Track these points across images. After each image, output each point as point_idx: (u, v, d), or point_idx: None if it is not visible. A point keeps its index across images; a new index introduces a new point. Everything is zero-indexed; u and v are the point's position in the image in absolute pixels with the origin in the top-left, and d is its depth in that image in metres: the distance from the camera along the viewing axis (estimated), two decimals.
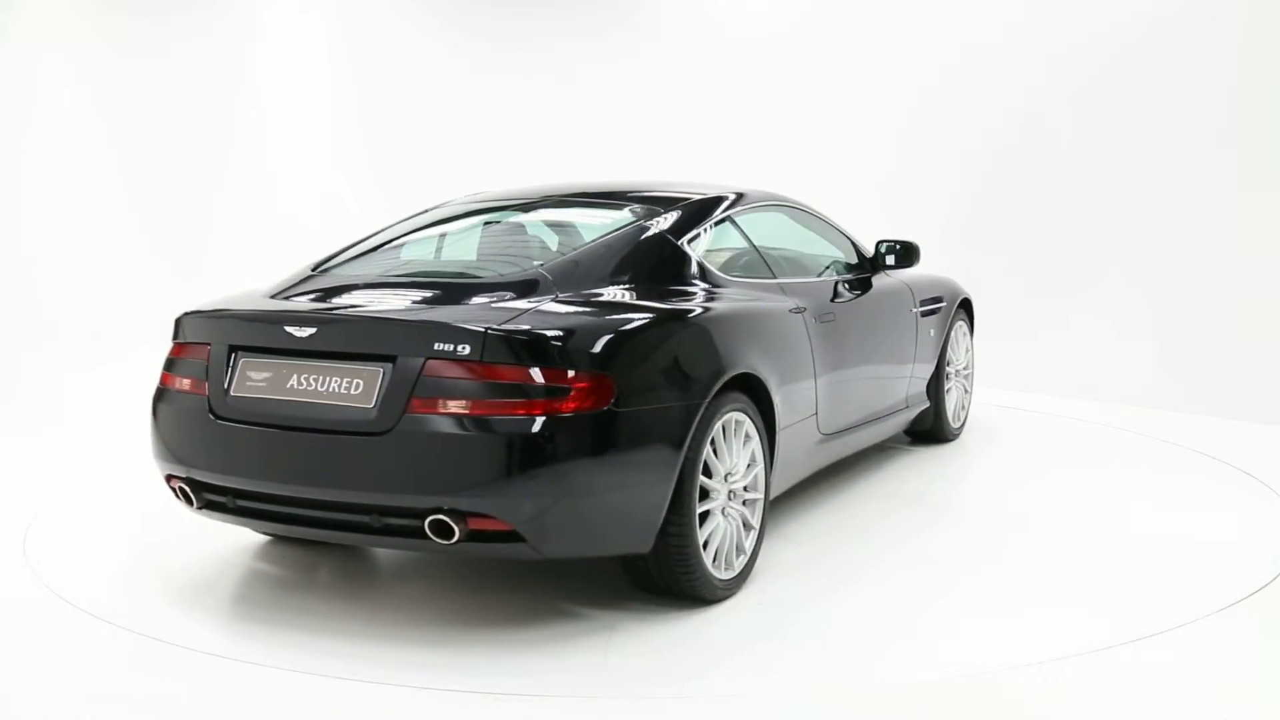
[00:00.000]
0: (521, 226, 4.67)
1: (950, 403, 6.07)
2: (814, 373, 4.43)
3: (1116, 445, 6.24)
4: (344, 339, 3.47)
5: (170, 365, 3.88)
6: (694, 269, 4.12)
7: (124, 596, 3.94)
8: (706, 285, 4.10)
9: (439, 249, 4.55)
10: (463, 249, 4.58)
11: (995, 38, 8.35)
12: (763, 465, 3.97)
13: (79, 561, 4.32)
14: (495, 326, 3.30)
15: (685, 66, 10.18)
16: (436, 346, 3.30)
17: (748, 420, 3.87)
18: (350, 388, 3.40)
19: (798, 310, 4.41)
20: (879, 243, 5.45)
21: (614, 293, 3.77)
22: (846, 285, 5.08)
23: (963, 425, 6.31)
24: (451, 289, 3.81)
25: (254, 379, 3.58)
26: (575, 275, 3.79)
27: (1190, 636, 3.54)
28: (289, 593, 3.96)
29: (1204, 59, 7.29)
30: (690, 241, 4.19)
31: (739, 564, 3.86)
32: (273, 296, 3.91)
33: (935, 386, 5.87)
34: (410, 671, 3.27)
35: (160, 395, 3.87)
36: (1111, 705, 3.11)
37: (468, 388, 3.26)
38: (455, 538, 3.29)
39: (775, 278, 4.58)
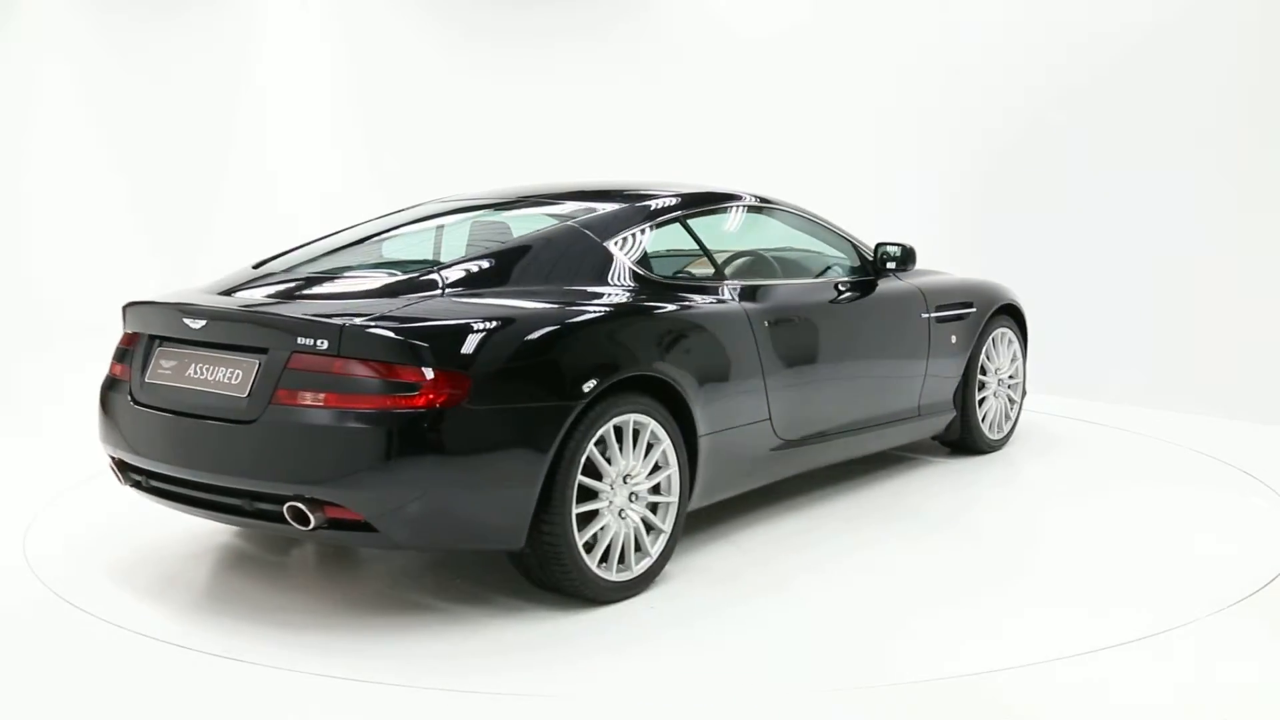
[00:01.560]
0: (468, 228, 4.67)
1: (988, 412, 5.79)
2: (763, 377, 4.36)
3: (1115, 445, 6.23)
4: (227, 332, 3.70)
5: (118, 354, 4.13)
6: (616, 270, 4.12)
7: (124, 596, 3.95)
8: (626, 286, 4.09)
9: (375, 250, 4.53)
10: (399, 250, 4.58)
11: (995, 37, 8.35)
12: (676, 469, 3.94)
13: (79, 561, 4.32)
14: (352, 322, 3.44)
15: (686, 66, 10.18)
16: (300, 341, 3.47)
17: (653, 423, 3.84)
18: (231, 378, 3.61)
19: (742, 313, 4.35)
20: (878, 246, 5.33)
21: (505, 291, 3.84)
22: (830, 288, 4.98)
23: (1006, 436, 5.97)
24: (351, 287, 3.93)
25: (164, 367, 3.85)
26: (472, 274, 3.88)
27: (1190, 636, 3.55)
28: (271, 587, 3.97)
29: (1201, 60, 7.29)
30: (619, 242, 4.20)
31: (640, 566, 3.86)
32: (216, 292, 4.05)
33: (963, 395, 5.64)
34: (263, 647, 3.48)
35: (107, 382, 4.13)
36: (1111, 706, 3.11)
37: (325, 381, 3.42)
38: (312, 525, 3.44)
39: (725, 279, 4.52)
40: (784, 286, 4.79)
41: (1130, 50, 7.64)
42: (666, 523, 3.95)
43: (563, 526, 3.58)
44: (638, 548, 3.87)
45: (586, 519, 3.69)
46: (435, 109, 11.26)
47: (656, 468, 3.91)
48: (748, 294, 4.48)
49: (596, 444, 3.68)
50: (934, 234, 8.09)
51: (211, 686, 3.25)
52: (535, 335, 3.63)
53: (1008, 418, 5.99)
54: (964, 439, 5.74)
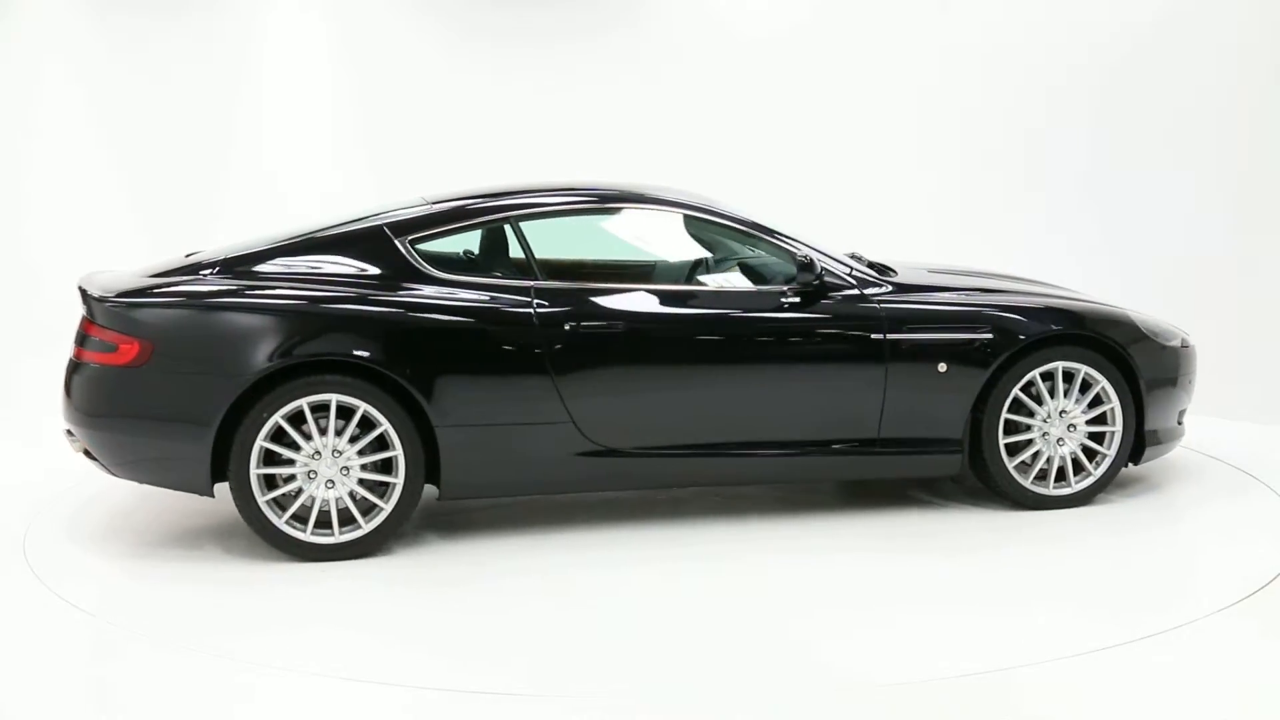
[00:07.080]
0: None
1: (1034, 457, 4.91)
2: (553, 378, 4.41)
3: None
4: (84, 303, 4.41)
5: None
6: (396, 266, 4.47)
7: (124, 596, 3.95)
8: (396, 282, 4.42)
9: (268, 243, 4.67)
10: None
11: (994, 37, 8.34)
12: (400, 453, 4.28)
13: (79, 561, 4.32)
14: (94, 291, 4.31)
15: (686, 67, 10.18)
16: (85, 308, 4.36)
17: (364, 405, 4.24)
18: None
19: (528, 314, 4.44)
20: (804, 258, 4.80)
21: (252, 278, 4.39)
22: (706, 297, 4.78)
23: (1082, 493, 4.94)
24: (180, 270, 4.48)
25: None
26: (243, 261, 4.47)
27: (1190, 636, 3.55)
28: (274, 589, 3.97)
29: (1202, 60, 7.28)
30: (415, 241, 4.56)
31: (346, 536, 4.29)
32: (149, 275, 4.54)
33: (973, 434, 4.84)
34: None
35: None
36: (1111, 706, 3.11)
37: (83, 339, 4.35)
38: (74, 450, 4.43)
39: (536, 281, 4.56)
40: (619, 291, 4.64)
41: (1136, 49, 7.63)
42: (389, 501, 4.31)
43: (241, 483, 4.19)
44: (350, 520, 4.29)
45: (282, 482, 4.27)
46: (435, 109, 11.26)
47: (385, 447, 4.31)
48: (554, 296, 4.53)
49: (295, 416, 4.20)
50: (931, 235, 8.09)
51: (211, 686, 3.25)
52: (216, 315, 4.27)
53: (1084, 471, 4.97)
54: (982, 482, 5.01)
